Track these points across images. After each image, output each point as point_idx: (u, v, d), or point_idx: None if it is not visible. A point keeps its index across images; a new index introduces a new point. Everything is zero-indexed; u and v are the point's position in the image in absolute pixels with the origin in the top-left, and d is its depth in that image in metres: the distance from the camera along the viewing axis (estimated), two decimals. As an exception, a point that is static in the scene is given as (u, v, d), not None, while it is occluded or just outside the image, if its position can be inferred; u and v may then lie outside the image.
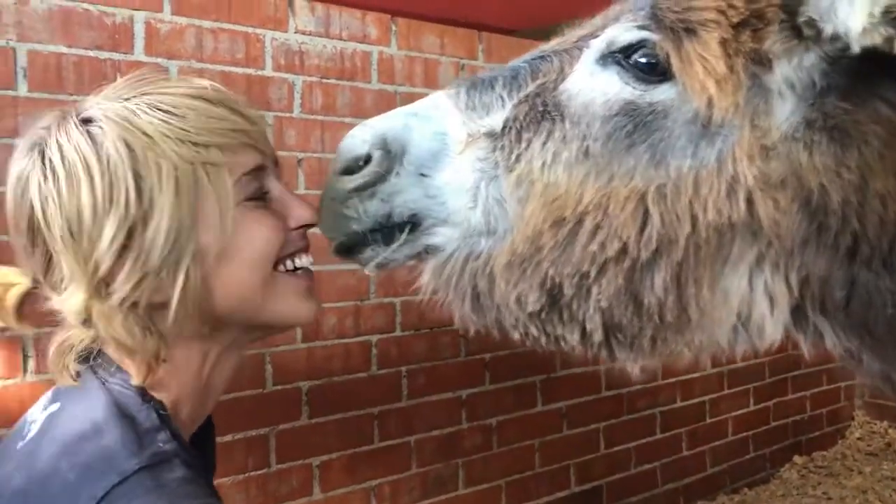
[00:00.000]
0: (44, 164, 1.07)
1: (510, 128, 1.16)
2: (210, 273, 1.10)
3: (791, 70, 1.04)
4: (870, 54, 0.99)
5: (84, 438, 1.01)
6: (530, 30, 5.60)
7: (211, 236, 1.09)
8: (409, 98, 3.13)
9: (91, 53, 2.42)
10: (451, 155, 1.18)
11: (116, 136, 1.06)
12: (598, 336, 1.13)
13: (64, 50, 2.37)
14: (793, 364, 4.78)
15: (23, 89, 2.31)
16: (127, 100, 1.11)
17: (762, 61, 1.04)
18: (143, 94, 1.12)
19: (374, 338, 3.07)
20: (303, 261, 1.22)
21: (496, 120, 1.17)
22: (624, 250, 1.07)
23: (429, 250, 1.20)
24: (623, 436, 3.93)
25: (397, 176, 1.18)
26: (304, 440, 2.87)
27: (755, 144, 1.04)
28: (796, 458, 4.78)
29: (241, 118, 1.16)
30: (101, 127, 1.08)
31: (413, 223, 1.19)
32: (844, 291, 1.09)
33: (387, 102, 3.07)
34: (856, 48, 0.97)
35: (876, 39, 0.95)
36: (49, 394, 1.14)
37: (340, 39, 2.96)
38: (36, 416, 1.10)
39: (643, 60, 1.10)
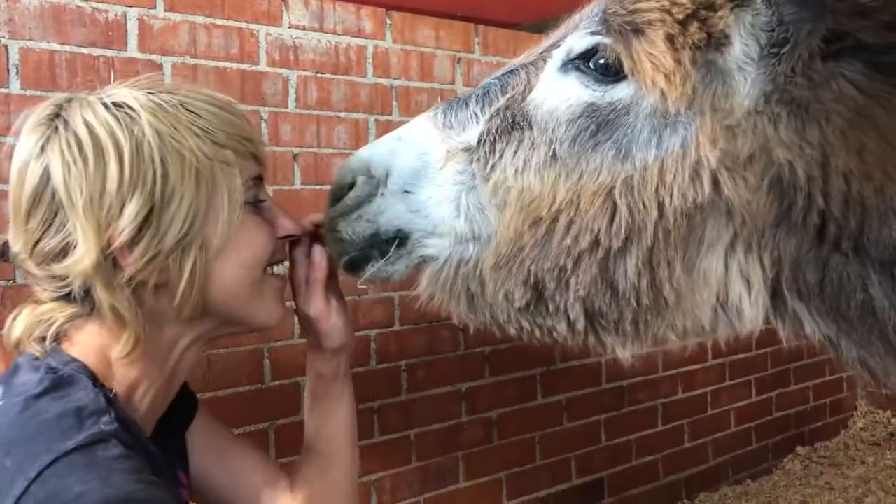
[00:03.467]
0: (67, 135, 1.12)
1: (484, 140, 1.25)
2: (211, 264, 1.19)
3: (746, 39, 1.09)
4: (835, 35, 1.04)
5: (26, 421, 1.03)
6: (529, 23, 5.58)
7: (218, 230, 1.18)
8: (405, 92, 3.14)
9: (84, 50, 2.42)
10: (432, 171, 1.28)
11: (147, 122, 1.14)
12: (581, 324, 1.20)
13: (56, 47, 2.37)
14: (795, 355, 4.77)
15: (15, 87, 2.31)
16: (152, 93, 1.20)
17: (718, 45, 1.10)
18: (167, 92, 1.21)
19: (373, 332, 3.07)
20: (279, 269, 1.36)
21: (471, 135, 1.27)
22: (596, 241, 1.14)
23: (425, 260, 1.31)
24: (624, 428, 3.93)
25: (382, 196, 1.29)
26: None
27: (717, 126, 1.09)
28: (799, 449, 4.77)
29: (250, 129, 1.28)
30: (132, 111, 1.15)
31: (400, 238, 1.29)
32: (817, 275, 1.12)
33: (382, 96, 3.07)
34: None
35: None
36: None
37: (335, 34, 2.95)
38: None
39: (600, 62, 1.18)
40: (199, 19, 2.64)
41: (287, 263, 1.44)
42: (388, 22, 3.10)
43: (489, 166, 1.24)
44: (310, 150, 2.89)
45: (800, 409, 4.85)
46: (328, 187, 2.89)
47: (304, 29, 2.87)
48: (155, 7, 2.55)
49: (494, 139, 1.25)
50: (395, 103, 3.11)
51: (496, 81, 1.32)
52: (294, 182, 2.86)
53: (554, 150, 1.19)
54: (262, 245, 1.27)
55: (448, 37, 3.29)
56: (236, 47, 2.72)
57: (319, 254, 1.40)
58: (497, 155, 1.24)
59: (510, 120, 1.25)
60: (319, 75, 2.91)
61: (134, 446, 1.05)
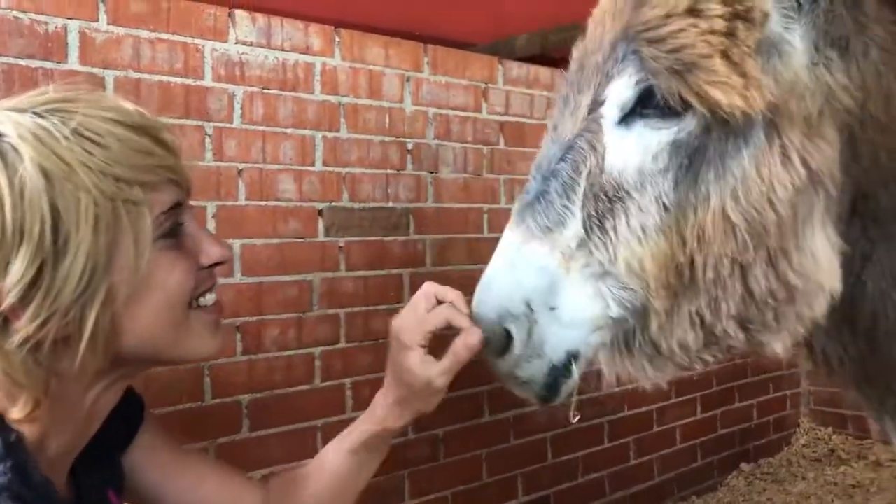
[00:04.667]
0: None
1: (591, 227, 1.21)
2: (120, 313, 1.05)
3: (782, 2, 1.09)
4: None
5: None
6: (483, 45, 5.64)
7: (124, 277, 1.04)
8: (354, 110, 3.14)
9: (22, 62, 2.38)
10: (562, 280, 1.23)
11: (32, 161, 0.98)
12: (741, 336, 1.20)
13: (-7, 58, 2.33)
14: (739, 373, 4.86)
15: (-51, 98, 2.26)
16: (42, 116, 1.02)
17: (762, 24, 1.09)
18: (62, 113, 1.04)
19: (318, 350, 3.05)
20: (208, 298, 1.21)
21: (576, 228, 1.22)
22: (732, 263, 1.14)
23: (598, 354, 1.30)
24: (571, 445, 3.95)
25: (537, 327, 1.24)
26: (245, 454, 2.84)
27: (788, 99, 1.09)
28: (743, 466, 4.85)
29: (166, 151, 1.12)
30: (14, 146, 0.98)
31: (574, 355, 1.26)
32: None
33: (330, 114, 3.07)
34: None
35: None
36: None
37: (282, 50, 2.95)
38: None
39: (660, 102, 1.15)
40: (144, 33, 2.62)
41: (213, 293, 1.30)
42: (337, 39, 3.11)
43: (611, 248, 1.20)
44: (255, 165, 2.88)
45: (744, 427, 4.94)
46: (273, 203, 2.90)
47: (250, 45, 2.87)
48: (97, 20, 2.53)
49: (601, 221, 1.21)
50: (342, 120, 3.12)
51: (564, 164, 1.25)
52: (238, 198, 2.84)
53: (663, 203, 1.17)
54: (180, 284, 1.12)
55: (397, 55, 3.31)
56: (181, 62, 2.70)
57: (477, 339, 1.28)
58: (612, 234, 1.20)
59: (604, 196, 1.21)
60: (266, 91, 2.90)
61: (32, 500, 0.97)
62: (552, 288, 1.23)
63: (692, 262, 1.16)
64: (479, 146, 3.63)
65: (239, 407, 2.84)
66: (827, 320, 1.20)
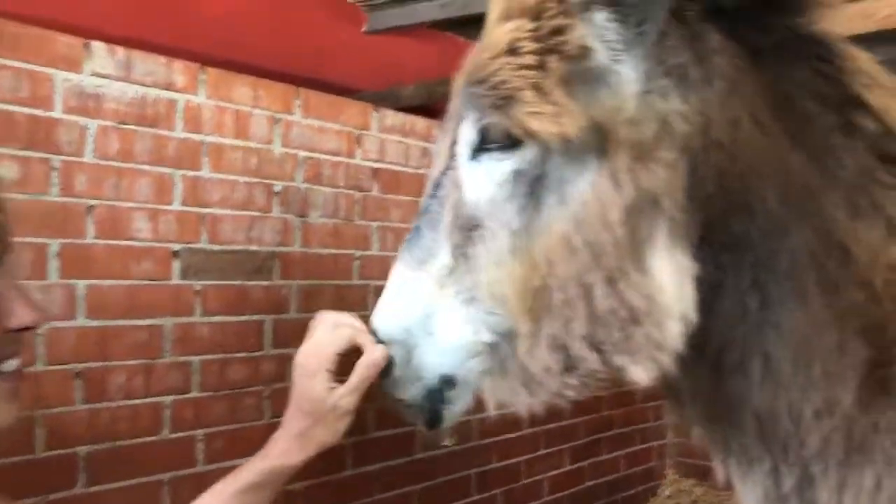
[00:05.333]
0: None
1: (457, 256, 1.29)
2: None
3: (607, 35, 1.14)
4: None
5: None
6: (371, 92, 5.61)
7: None
8: (218, 149, 3.05)
9: None
10: (436, 307, 1.31)
11: None
12: (594, 357, 1.20)
13: None
14: (606, 424, 4.94)
15: None
16: None
17: (583, 56, 1.15)
18: None
19: (168, 398, 2.89)
20: (9, 364, 1.15)
21: (445, 258, 1.30)
22: (578, 285, 1.17)
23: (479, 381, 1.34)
24: (438, 498, 3.88)
25: (416, 351, 1.32)
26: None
27: (617, 124, 1.14)
28: (610, 517, 4.91)
29: None
30: None
31: (447, 380, 1.32)
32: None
33: (192, 152, 2.97)
34: None
35: None
36: None
37: (142, 85, 2.84)
38: None
39: (498, 137, 1.22)
40: (-13, 58, 2.47)
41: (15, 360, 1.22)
42: (203, 77, 3.02)
43: (475, 275, 1.26)
44: (106, 202, 2.73)
45: (611, 478, 5.00)
46: (126, 243, 2.75)
47: (107, 77, 2.74)
48: (-67, 41, 2.36)
49: (465, 250, 1.27)
50: (205, 159, 3.02)
51: (433, 200, 1.35)
52: (86, 236, 2.68)
53: (512, 229, 1.22)
54: None
55: (267, 96, 3.25)
56: (27, 91, 2.55)
57: (380, 355, 1.31)
58: (474, 262, 1.26)
59: (466, 227, 1.27)
60: (122, 126, 2.78)
61: None
62: (429, 315, 1.31)
63: (545, 285, 1.19)
64: (352, 192, 3.59)
65: (75, 459, 2.64)
66: (684, 351, 1.19)
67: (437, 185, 1.34)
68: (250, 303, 3.15)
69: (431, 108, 3.94)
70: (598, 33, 1.14)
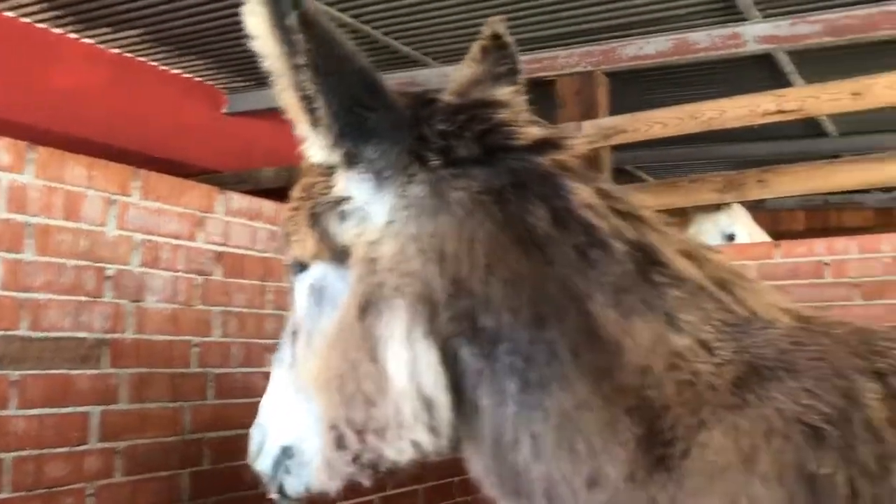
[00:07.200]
0: None
1: (292, 354, 1.61)
2: None
3: (360, 181, 1.45)
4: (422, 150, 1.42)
5: None
6: (231, 174, 5.54)
7: None
8: (45, 230, 2.90)
9: None
10: (280, 394, 1.65)
11: None
12: (354, 440, 1.42)
13: None
14: (446, 493, 4.89)
15: None
16: None
17: (341, 202, 1.48)
18: None
19: (-27, 500, 2.64)
20: None
21: (287, 356, 1.63)
22: (340, 376, 1.42)
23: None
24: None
25: (269, 429, 1.65)
26: None
27: (363, 247, 1.43)
28: None
29: None
30: None
31: (287, 450, 1.58)
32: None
33: (14, 233, 2.81)
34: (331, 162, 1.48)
35: (334, 158, 1.45)
36: None
37: (-39, 162, 2.68)
38: None
39: (300, 263, 1.59)
40: None
41: None
42: (31, 156, 2.89)
43: (296, 369, 1.59)
44: (-89, 287, 2.53)
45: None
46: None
47: (-80, 153, 2.58)
48: None
49: (294, 349, 1.60)
50: (30, 241, 2.86)
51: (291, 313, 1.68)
52: None
53: (308, 330, 1.55)
54: None
55: (103, 177, 3.15)
56: None
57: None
58: (298, 359, 1.58)
59: (294, 330, 1.61)
60: (-65, 205, 2.60)
61: None
62: (276, 402, 1.63)
63: (326, 378, 1.44)
64: (192, 275, 3.50)
65: None
66: (464, 434, 1.38)
67: (291, 300, 1.68)
68: (74, 393, 2.96)
69: (291, 191, 3.91)
70: (356, 179, 1.44)
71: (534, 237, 1.36)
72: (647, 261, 1.36)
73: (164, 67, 6.21)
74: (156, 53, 5.90)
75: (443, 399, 1.35)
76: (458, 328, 1.34)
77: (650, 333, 1.30)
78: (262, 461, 1.62)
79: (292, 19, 1.36)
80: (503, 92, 1.57)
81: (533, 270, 1.35)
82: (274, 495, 1.62)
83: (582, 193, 1.39)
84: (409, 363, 1.34)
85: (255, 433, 1.65)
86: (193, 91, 6.59)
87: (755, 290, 1.44)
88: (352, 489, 1.49)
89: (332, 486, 1.49)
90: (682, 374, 1.30)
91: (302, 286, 1.57)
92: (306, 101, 1.40)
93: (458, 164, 1.41)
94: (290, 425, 1.58)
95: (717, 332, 1.34)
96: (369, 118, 1.41)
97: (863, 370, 1.30)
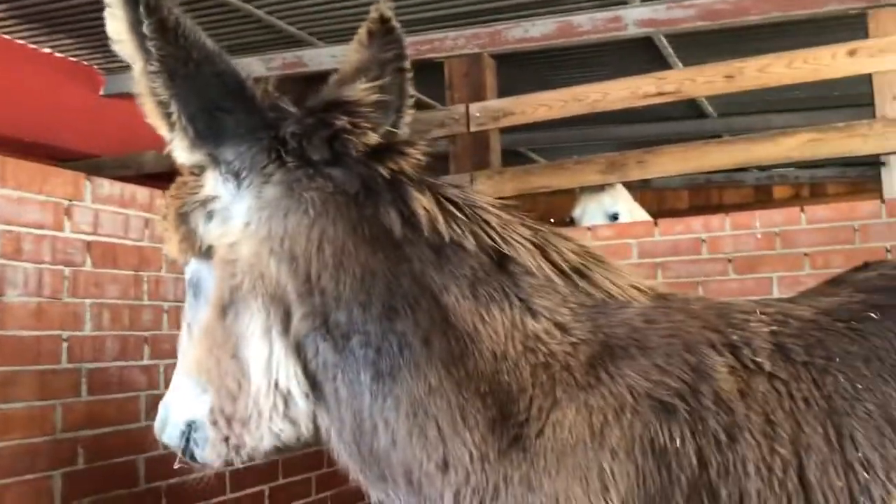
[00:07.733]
0: None
1: (186, 341, 1.73)
2: None
3: (223, 184, 1.52)
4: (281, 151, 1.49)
5: None
6: (112, 158, 5.25)
7: None
8: None
9: None
10: (179, 376, 1.71)
11: None
12: (224, 426, 1.56)
13: None
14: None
15: None
16: None
17: (209, 201, 1.55)
18: None
19: None
20: None
21: (184, 342, 1.73)
22: (206, 369, 1.56)
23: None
24: None
25: (172, 405, 1.72)
26: None
27: (222, 248, 1.52)
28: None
29: None
30: None
31: (191, 423, 1.63)
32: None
33: None
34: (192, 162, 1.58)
35: (197, 159, 1.54)
36: None
37: None
38: None
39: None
40: None
41: None
42: None
43: (185, 357, 1.68)
44: None
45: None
46: None
47: None
48: None
49: (186, 337, 1.70)
50: None
51: None
52: None
53: (187, 321, 1.67)
54: None
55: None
56: None
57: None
58: (186, 349, 1.67)
59: (185, 321, 1.72)
60: None
61: None
62: (178, 383, 1.68)
63: (204, 366, 1.54)
64: (60, 267, 3.31)
65: None
66: (327, 424, 1.49)
67: None
68: (-74, 396, 2.76)
69: (175, 176, 3.74)
70: (220, 181, 1.52)
71: (391, 237, 1.44)
72: (500, 253, 1.43)
73: (33, 46, 5.86)
74: (23, 31, 5.56)
75: (298, 391, 1.45)
76: (311, 325, 1.41)
77: (506, 320, 1.38)
78: (168, 433, 1.68)
79: (147, 26, 1.37)
80: (356, 91, 1.57)
81: (386, 267, 1.41)
82: (184, 461, 1.69)
83: (422, 199, 1.46)
84: (266, 360, 1.44)
85: (161, 408, 1.72)
86: (67, 71, 6.25)
87: (613, 272, 1.49)
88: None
89: (217, 463, 1.59)
90: (538, 356, 1.34)
91: (186, 280, 1.68)
92: (162, 105, 1.44)
93: (313, 165, 1.47)
94: (191, 404, 1.64)
95: (573, 315, 1.39)
96: (227, 121, 1.46)
97: (715, 343, 1.36)
